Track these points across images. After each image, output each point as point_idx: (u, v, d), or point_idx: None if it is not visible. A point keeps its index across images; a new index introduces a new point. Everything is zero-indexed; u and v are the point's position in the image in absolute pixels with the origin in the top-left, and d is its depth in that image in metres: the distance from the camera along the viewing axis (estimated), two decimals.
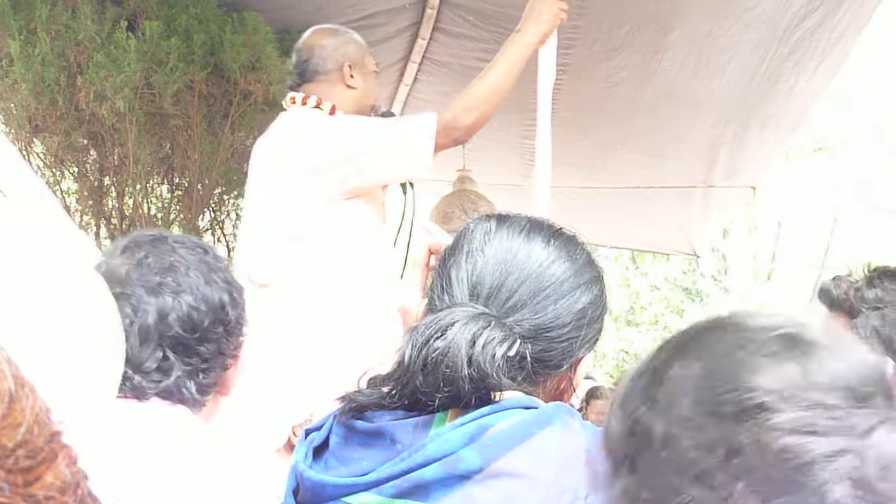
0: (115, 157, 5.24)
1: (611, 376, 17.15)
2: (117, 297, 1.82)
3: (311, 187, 3.59)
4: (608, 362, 18.98)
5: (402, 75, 6.82)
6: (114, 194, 5.50)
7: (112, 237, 5.52)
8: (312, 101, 3.83)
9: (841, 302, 2.44)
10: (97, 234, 5.55)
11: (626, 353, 19.19)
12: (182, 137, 5.15)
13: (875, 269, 2.42)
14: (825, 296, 2.51)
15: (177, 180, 5.56)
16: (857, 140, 18.43)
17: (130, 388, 1.86)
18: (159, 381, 1.89)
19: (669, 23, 5.85)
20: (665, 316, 19.77)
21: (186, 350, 1.94)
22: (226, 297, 2.00)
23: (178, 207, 5.56)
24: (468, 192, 7.52)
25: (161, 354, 1.90)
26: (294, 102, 3.86)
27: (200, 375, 1.97)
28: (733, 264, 19.44)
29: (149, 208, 5.50)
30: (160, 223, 5.51)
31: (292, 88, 3.93)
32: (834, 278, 2.51)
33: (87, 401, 1.35)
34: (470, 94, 3.71)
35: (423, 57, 6.50)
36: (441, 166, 7.93)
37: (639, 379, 1.16)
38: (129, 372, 1.85)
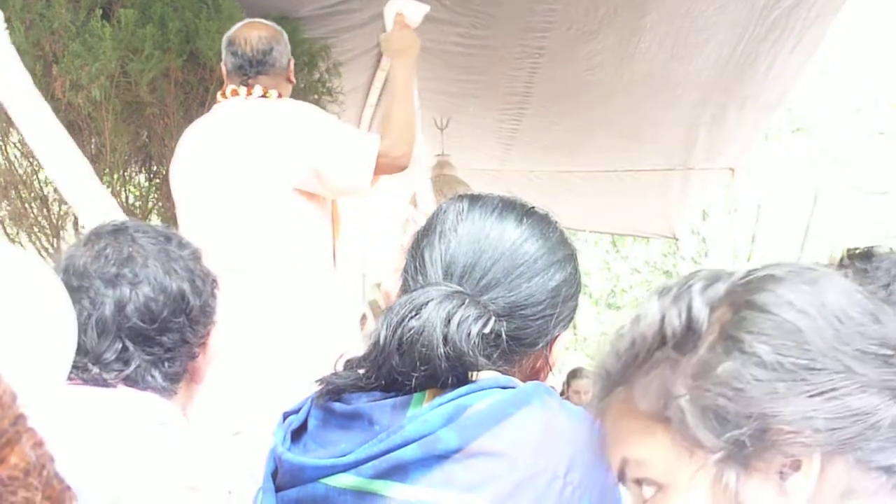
0: (92, 146, 5.22)
1: (592, 359, 17.20)
2: (76, 289, 1.83)
3: (279, 174, 3.62)
4: (589, 345, 19.01)
5: (378, 61, 6.81)
6: None
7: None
8: (258, 90, 3.82)
9: None
10: (75, 224, 5.54)
11: (608, 336, 19.20)
12: (159, 125, 5.13)
13: (848, 251, 2.44)
14: None
15: (154, 168, 5.55)
16: (836, 120, 18.49)
17: (91, 380, 1.85)
18: (120, 371, 1.88)
19: (646, 4, 5.85)
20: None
21: (146, 340, 1.92)
22: (186, 287, 1.98)
23: (156, 196, 5.55)
24: (447, 176, 7.53)
25: (120, 346, 1.89)
26: (236, 94, 3.83)
27: (165, 364, 1.95)
28: (713, 246, 19.50)
29: (127, 197, 5.49)
30: (138, 212, 5.50)
31: (241, 81, 3.86)
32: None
33: (34, 388, 1.35)
34: (396, 123, 3.75)
35: None
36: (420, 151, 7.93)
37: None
38: (89, 364, 1.85)
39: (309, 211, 3.72)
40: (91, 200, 3.62)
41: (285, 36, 4.01)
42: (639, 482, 1.21)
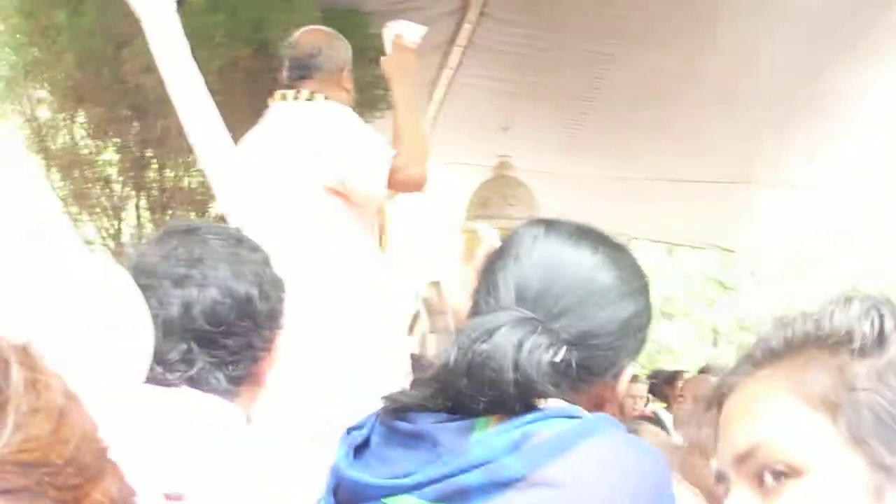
0: (158, 130, 5.26)
1: (643, 367, 17.13)
2: (144, 288, 1.83)
3: (313, 175, 3.69)
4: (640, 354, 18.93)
5: (445, 59, 6.81)
6: (155, 166, 5.52)
7: (152, 209, 5.55)
8: (305, 93, 3.88)
9: None
10: (137, 206, 5.58)
11: (659, 343, 19.16)
12: (225, 113, 5.14)
13: None
14: None
15: None
16: None
17: (153, 380, 1.85)
18: (184, 372, 1.88)
19: (716, 15, 5.82)
20: (699, 308, 19.73)
21: (211, 343, 1.92)
22: (254, 291, 1.98)
23: None
24: (507, 177, 7.54)
25: (185, 347, 1.89)
26: (285, 99, 3.91)
27: (229, 367, 1.95)
28: (767, 259, 19.37)
29: (189, 182, 5.52)
30: (200, 197, 5.53)
31: (287, 83, 3.95)
32: None
33: (113, 388, 1.36)
34: (407, 143, 3.73)
35: (469, 41, 6.49)
36: (481, 152, 7.95)
37: None
38: (153, 364, 1.85)
39: (347, 211, 3.73)
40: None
41: (342, 42, 4.06)
42: (763, 470, 1.15)
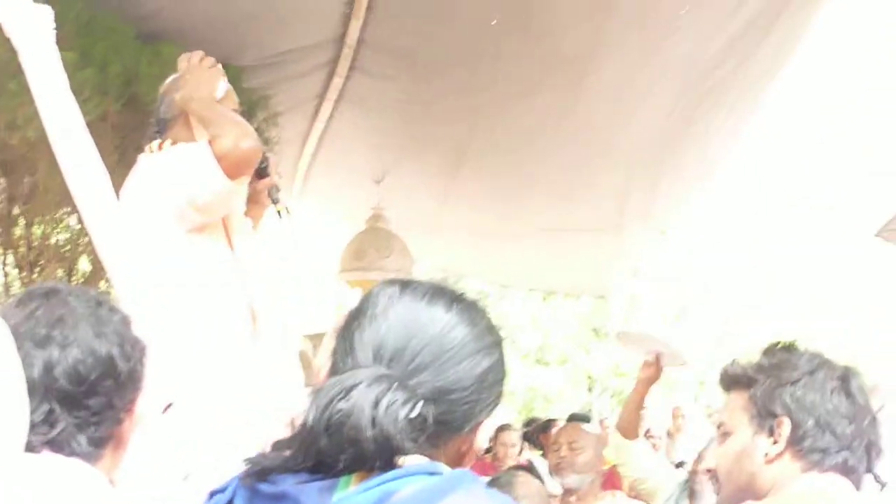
0: (25, 187, 5.19)
1: (519, 413, 17.19)
2: None
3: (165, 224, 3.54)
4: (517, 400, 19.05)
5: (317, 112, 6.82)
6: (22, 223, 5.43)
7: (19, 267, 5.47)
8: (168, 143, 3.67)
9: (739, 378, 2.49)
10: (3, 263, 5.49)
11: (535, 390, 19.28)
12: None
13: (771, 345, 2.50)
14: (724, 378, 2.55)
15: None
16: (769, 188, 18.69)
17: None
18: (45, 434, 1.87)
19: (586, 66, 5.92)
20: (574, 354, 19.91)
21: (73, 403, 1.91)
22: (115, 351, 1.97)
23: (86, 238, 5.50)
24: (381, 229, 7.56)
25: (47, 407, 1.88)
26: (151, 151, 3.69)
27: (91, 429, 1.94)
28: (641, 305, 19.65)
29: (56, 240, 5.45)
30: (67, 254, 5.45)
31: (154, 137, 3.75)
32: (732, 362, 2.56)
33: None
34: (225, 132, 3.50)
35: (340, 95, 6.50)
36: (355, 203, 7.95)
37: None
38: None
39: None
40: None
41: (176, 81, 3.81)
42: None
